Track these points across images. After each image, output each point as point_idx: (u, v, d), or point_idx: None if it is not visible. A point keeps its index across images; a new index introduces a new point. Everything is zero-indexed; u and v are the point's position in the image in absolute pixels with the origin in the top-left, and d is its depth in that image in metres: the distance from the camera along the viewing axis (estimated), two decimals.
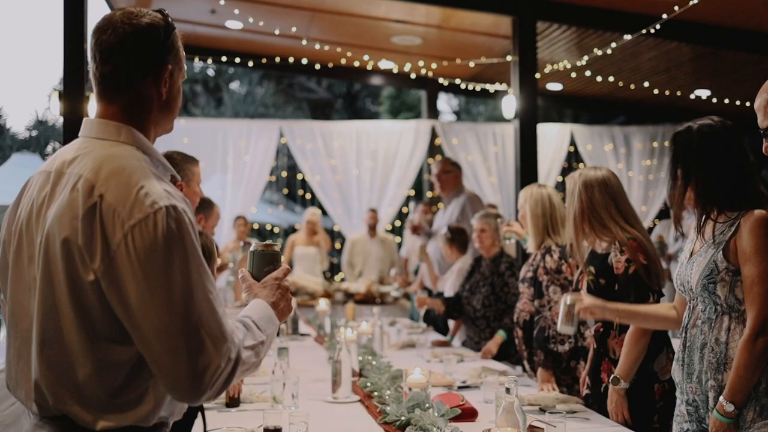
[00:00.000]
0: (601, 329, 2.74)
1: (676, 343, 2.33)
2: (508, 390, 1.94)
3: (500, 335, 4.02)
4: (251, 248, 1.64)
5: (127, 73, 1.40)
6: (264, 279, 1.58)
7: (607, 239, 2.72)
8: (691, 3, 5.40)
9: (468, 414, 2.48)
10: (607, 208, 2.71)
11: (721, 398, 2.01)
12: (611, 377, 2.56)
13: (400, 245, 8.97)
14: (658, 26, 5.96)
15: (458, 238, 4.82)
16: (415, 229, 6.09)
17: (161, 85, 1.43)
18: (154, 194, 1.28)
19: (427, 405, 2.38)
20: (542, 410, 2.60)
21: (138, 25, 1.39)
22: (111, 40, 1.39)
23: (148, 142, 1.42)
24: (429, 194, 9.34)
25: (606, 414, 2.60)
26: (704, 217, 2.15)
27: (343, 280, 8.25)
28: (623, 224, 2.69)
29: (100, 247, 1.26)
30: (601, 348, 2.73)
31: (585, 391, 2.80)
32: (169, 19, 1.45)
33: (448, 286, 4.81)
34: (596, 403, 2.71)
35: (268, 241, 1.66)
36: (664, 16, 5.86)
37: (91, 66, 1.42)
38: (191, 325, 1.25)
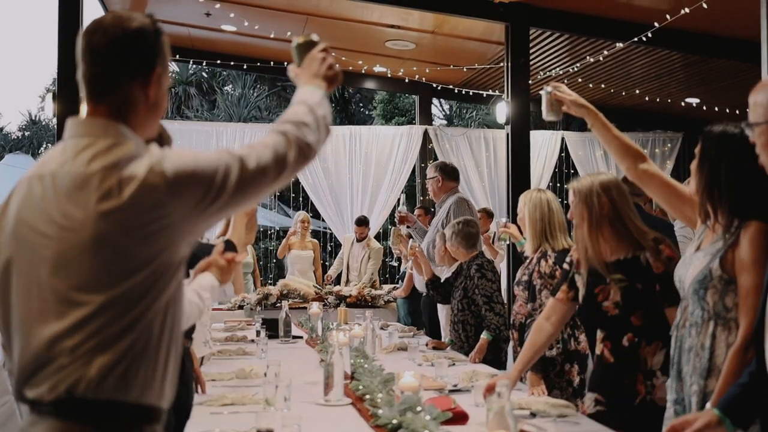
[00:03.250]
0: (635, 339, 2.60)
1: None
2: (499, 394, 1.96)
3: (485, 337, 4.04)
4: (295, 42, 1.69)
5: (117, 75, 1.43)
6: (306, 58, 1.65)
7: (627, 242, 2.64)
8: (682, 12, 5.46)
9: (459, 417, 2.49)
10: (629, 209, 2.65)
11: (708, 405, 2.03)
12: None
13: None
14: (649, 34, 6.02)
15: None
16: (402, 220, 5.89)
17: (149, 88, 1.46)
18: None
19: (419, 408, 2.40)
20: (533, 414, 2.62)
21: (128, 29, 1.43)
22: (101, 42, 1.42)
23: (136, 136, 1.44)
24: (420, 199, 9.38)
25: (639, 426, 2.47)
26: (713, 213, 2.15)
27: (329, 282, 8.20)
28: (642, 227, 2.62)
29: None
30: (628, 359, 2.60)
31: (595, 408, 2.65)
32: (158, 24, 1.48)
33: None
34: (626, 417, 2.53)
35: (306, 36, 1.72)
36: (656, 24, 5.92)
37: (80, 67, 1.45)
38: None
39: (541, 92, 2.60)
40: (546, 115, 2.61)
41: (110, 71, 1.42)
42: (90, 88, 1.44)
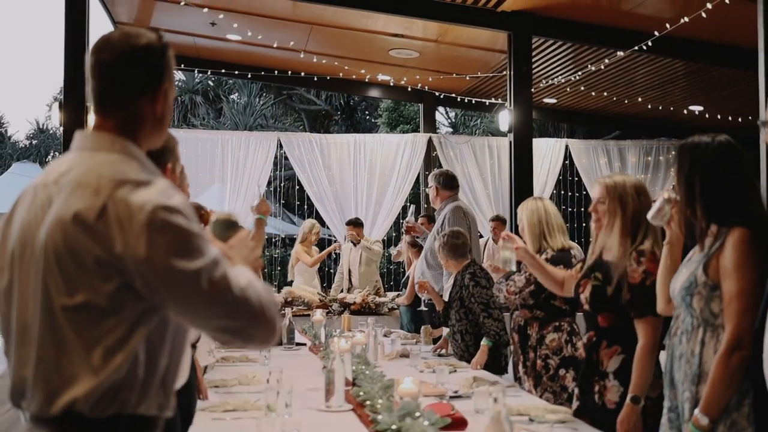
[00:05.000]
0: (594, 338, 2.73)
1: (662, 357, 2.37)
2: (495, 399, 1.99)
3: (485, 343, 4.06)
4: (215, 218, 1.83)
5: (125, 91, 1.46)
6: (231, 241, 1.68)
7: (623, 247, 2.64)
8: (682, 21, 5.50)
9: (458, 423, 2.52)
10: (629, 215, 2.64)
11: (696, 411, 2.04)
12: (631, 396, 2.47)
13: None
14: (650, 43, 6.06)
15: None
16: (409, 230, 5.89)
17: (156, 103, 1.49)
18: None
19: (418, 414, 2.43)
20: (531, 420, 2.64)
21: (136, 45, 1.46)
22: (110, 59, 1.45)
23: (142, 154, 1.48)
24: (425, 206, 9.42)
25: (598, 425, 2.59)
26: (698, 224, 2.19)
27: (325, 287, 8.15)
28: (636, 236, 2.62)
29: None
30: (594, 356, 2.73)
31: (576, 403, 2.78)
32: (164, 39, 1.51)
33: None
34: (588, 414, 2.70)
35: (227, 213, 1.87)
36: (656, 33, 5.96)
37: (89, 83, 1.48)
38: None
39: (662, 197, 2.33)
40: (654, 219, 2.37)
41: (119, 87, 1.46)
42: (99, 103, 1.47)
